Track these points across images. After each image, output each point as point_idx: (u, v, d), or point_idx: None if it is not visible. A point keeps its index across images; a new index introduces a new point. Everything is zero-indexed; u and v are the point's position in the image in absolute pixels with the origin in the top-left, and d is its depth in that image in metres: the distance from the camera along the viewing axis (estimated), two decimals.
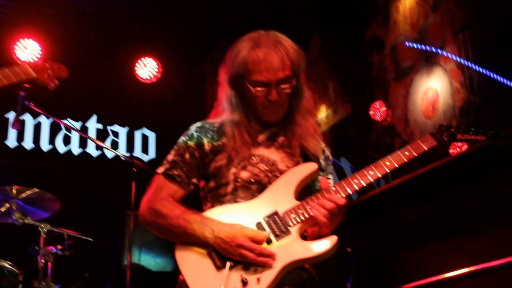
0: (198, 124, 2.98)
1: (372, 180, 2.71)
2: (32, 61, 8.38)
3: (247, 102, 2.92)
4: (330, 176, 3.02)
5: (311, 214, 2.66)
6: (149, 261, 6.92)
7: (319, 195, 2.70)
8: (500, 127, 4.32)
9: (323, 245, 2.60)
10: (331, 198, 2.64)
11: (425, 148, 2.78)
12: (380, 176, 2.71)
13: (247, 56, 2.81)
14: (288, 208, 2.70)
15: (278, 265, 2.56)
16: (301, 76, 2.93)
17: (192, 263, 2.65)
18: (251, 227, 2.65)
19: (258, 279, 2.53)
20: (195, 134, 2.91)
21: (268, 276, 2.54)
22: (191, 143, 2.88)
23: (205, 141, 2.88)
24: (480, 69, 4.66)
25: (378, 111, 5.83)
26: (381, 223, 5.43)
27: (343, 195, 2.68)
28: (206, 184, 2.91)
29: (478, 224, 4.51)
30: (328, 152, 3.08)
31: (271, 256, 2.57)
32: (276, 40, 2.83)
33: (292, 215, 2.68)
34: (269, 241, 2.61)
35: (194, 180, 2.85)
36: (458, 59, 4.91)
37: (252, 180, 2.79)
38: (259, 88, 2.81)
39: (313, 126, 3.00)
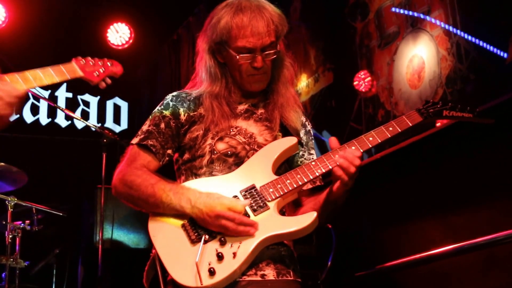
0: (174, 93, 2.98)
1: None
2: None
3: (228, 71, 2.92)
4: (312, 152, 3.04)
5: (290, 188, 2.69)
6: (122, 237, 6.93)
7: (317, 160, 2.72)
8: (485, 97, 4.37)
9: (302, 221, 2.62)
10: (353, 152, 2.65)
11: (410, 124, 2.79)
12: (362, 151, 2.72)
13: (231, 21, 2.79)
14: (266, 182, 2.72)
15: (254, 240, 2.58)
16: (281, 43, 2.94)
17: (165, 236, 2.66)
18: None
19: (234, 254, 2.55)
20: (171, 103, 2.91)
21: (245, 251, 2.56)
22: (166, 112, 2.88)
23: (181, 110, 2.88)
24: (468, 36, 4.67)
25: (363, 81, 5.83)
26: (363, 199, 5.49)
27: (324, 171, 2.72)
28: (181, 156, 2.91)
29: (462, 200, 4.58)
30: (309, 127, 3.09)
31: (252, 225, 2.59)
32: (259, 5, 2.82)
33: (271, 190, 2.69)
34: (246, 216, 2.62)
35: (169, 151, 2.86)
36: (445, 25, 4.92)
37: (229, 152, 2.80)
38: (243, 55, 2.81)
39: (294, 97, 3.01)
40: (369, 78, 5.76)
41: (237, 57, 2.81)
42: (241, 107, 2.94)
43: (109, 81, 2.74)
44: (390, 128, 2.78)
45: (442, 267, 4.61)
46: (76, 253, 7.42)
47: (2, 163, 5.48)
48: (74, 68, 2.60)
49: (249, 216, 2.63)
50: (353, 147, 2.71)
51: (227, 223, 2.56)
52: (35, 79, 2.46)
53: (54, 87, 9.04)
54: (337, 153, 2.70)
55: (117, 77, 2.79)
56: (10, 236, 5.53)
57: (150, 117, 2.91)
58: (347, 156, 2.63)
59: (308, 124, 3.10)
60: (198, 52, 2.98)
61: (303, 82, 6.75)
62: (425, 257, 4.71)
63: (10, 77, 2.37)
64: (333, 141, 2.75)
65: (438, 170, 4.86)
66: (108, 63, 2.74)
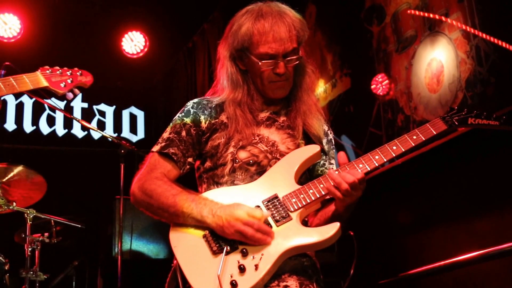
0: (195, 100, 2.97)
1: (377, 165, 2.70)
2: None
3: (250, 78, 2.91)
4: (333, 161, 3.01)
5: (313, 199, 2.67)
6: (142, 248, 6.93)
7: (340, 169, 2.69)
8: (507, 100, 4.33)
9: (325, 232, 2.60)
10: (350, 173, 2.62)
11: (434, 132, 2.75)
12: (385, 160, 2.70)
13: (252, 27, 2.79)
14: (289, 192, 2.69)
15: (277, 252, 2.55)
16: (302, 49, 2.93)
17: (187, 247, 2.64)
18: None
19: (256, 266, 2.53)
20: (192, 111, 2.90)
21: (267, 262, 2.53)
22: (187, 120, 2.87)
23: (202, 118, 2.88)
24: (488, 38, 4.63)
25: (380, 84, 5.81)
26: (385, 205, 5.46)
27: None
28: (202, 164, 2.90)
29: (487, 204, 4.53)
30: (331, 135, 3.07)
31: (269, 233, 2.57)
32: (280, 11, 2.82)
33: (293, 200, 2.67)
34: (268, 226, 2.60)
35: (190, 159, 2.85)
36: (464, 26, 4.88)
37: (251, 161, 2.79)
38: (266, 61, 2.80)
39: (316, 104, 3.00)
40: (386, 81, 5.73)
41: (259, 63, 2.80)
42: (263, 115, 2.93)
43: (77, 91, 2.71)
44: (414, 137, 2.74)
45: (467, 274, 4.56)
46: (95, 265, 7.42)
47: (21, 166, 5.50)
48: (38, 78, 2.58)
49: (271, 227, 2.60)
50: (360, 165, 2.68)
51: (246, 228, 2.53)
52: None
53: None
54: (360, 162, 2.69)
55: (87, 87, 2.76)
56: (30, 249, 5.54)
57: (171, 124, 2.90)
58: (344, 175, 2.61)
59: (330, 133, 3.07)
60: (219, 59, 2.97)
61: (321, 88, 6.73)
62: (450, 264, 4.66)
63: None
64: (341, 156, 2.72)
65: (461, 174, 4.81)
66: (77, 73, 2.71)
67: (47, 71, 2.61)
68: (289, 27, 2.77)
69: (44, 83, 2.55)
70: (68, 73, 2.66)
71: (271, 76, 2.84)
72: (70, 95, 2.67)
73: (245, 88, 2.90)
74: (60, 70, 2.65)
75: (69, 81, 2.64)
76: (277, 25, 2.76)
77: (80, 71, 2.72)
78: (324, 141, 3.00)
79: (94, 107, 9.34)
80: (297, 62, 2.85)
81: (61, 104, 8.80)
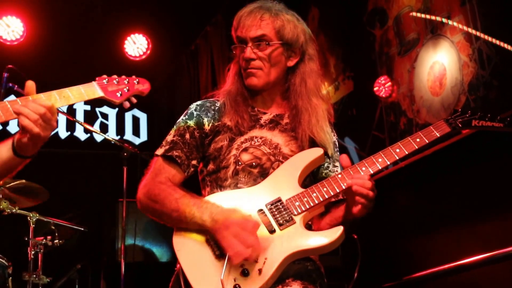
0: (199, 102, 2.99)
1: (380, 168, 2.69)
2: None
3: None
4: (337, 164, 2.99)
5: (316, 202, 2.66)
6: (144, 251, 6.94)
7: (343, 173, 2.69)
8: (510, 103, 4.32)
9: (328, 236, 2.60)
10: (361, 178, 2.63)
11: (438, 135, 2.75)
12: (389, 163, 2.69)
13: (235, 16, 2.91)
14: (292, 195, 2.69)
15: (280, 256, 2.55)
16: (305, 57, 2.97)
17: (190, 251, 2.64)
18: (253, 214, 2.64)
19: (260, 270, 2.52)
20: (195, 113, 2.91)
21: (270, 267, 2.53)
22: (191, 122, 2.89)
23: (205, 120, 2.89)
24: (490, 41, 4.62)
25: (383, 86, 5.81)
26: (389, 207, 5.44)
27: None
28: (205, 166, 2.91)
29: (492, 207, 4.51)
30: (335, 138, 3.07)
31: (253, 246, 2.53)
32: (266, 6, 2.88)
33: (297, 203, 2.67)
34: (272, 230, 2.61)
35: (194, 162, 2.85)
36: (466, 28, 4.88)
37: (254, 164, 2.79)
38: (236, 45, 2.91)
39: (323, 111, 2.98)
40: (389, 83, 5.73)
41: (234, 47, 2.92)
42: (266, 117, 2.94)
43: (134, 100, 2.71)
44: (417, 139, 2.73)
45: (472, 277, 4.53)
46: (98, 268, 7.42)
47: (23, 180, 5.49)
48: (93, 89, 2.59)
49: (274, 231, 2.61)
50: (363, 168, 2.69)
51: (240, 231, 2.52)
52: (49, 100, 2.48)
53: None
54: (363, 165, 2.68)
55: (144, 95, 2.76)
56: (32, 252, 5.54)
57: (175, 127, 2.92)
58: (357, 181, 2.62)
59: (334, 135, 3.07)
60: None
61: (323, 91, 6.72)
62: (454, 267, 4.63)
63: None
64: (344, 158, 2.73)
65: (466, 177, 4.79)
66: (134, 81, 2.71)
67: (104, 81, 2.61)
68: (262, 17, 2.84)
69: (100, 93, 2.55)
70: (125, 81, 2.66)
71: (243, 63, 2.89)
72: (127, 104, 2.66)
73: (235, 79, 2.97)
74: (117, 79, 2.64)
75: (125, 90, 2.63)
76: (248, 12, 2.86)
77: (137, 79, 2.72)
78: (330, 144, 2.98)
79: (97, 109, 9.33)
80: (267, 51, 2.86)
81: (63, 106, 8.81)
